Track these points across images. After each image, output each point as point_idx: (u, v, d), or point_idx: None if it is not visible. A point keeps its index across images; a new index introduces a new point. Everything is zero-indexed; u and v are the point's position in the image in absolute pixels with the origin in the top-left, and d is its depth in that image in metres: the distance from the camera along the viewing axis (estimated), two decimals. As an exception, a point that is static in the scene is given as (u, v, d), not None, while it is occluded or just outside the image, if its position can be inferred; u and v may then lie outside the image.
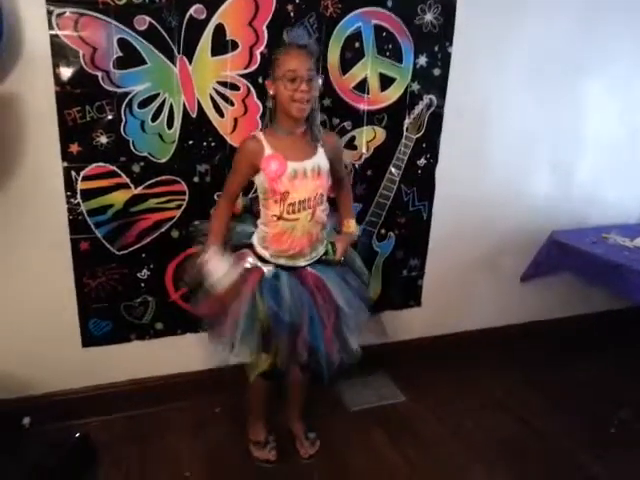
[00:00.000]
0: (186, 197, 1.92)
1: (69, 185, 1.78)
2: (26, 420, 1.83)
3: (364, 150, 2.11)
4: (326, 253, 1.71)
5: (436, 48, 2.09)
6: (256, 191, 1.67)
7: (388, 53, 2.02)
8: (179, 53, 1.77)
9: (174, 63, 1.77)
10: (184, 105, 1.82)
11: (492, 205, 2.47)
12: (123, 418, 2.00)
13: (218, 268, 1.57)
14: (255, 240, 1.68)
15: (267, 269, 1.63)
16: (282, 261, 1.65)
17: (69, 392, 1.97)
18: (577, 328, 2.79)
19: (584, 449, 1.98)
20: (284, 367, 1.65)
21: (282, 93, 1.52)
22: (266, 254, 1.65)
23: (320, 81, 1.65)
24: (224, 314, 1.59)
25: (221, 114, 1.87)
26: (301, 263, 1.66)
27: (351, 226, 1.81)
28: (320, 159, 1.62)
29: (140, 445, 1.89)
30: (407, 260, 2.37)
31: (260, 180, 1.60)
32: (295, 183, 1.58)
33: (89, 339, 1.97)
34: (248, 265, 1.64)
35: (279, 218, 1.61)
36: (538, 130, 2.43)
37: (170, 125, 1.83)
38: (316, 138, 1.62)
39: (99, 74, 1.70)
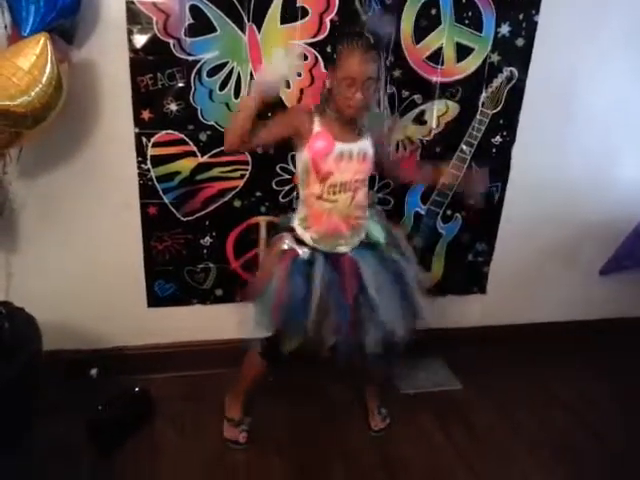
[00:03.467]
0: (249, 167, 1.93)
1: (140, 151, 1.84)
2: (93, 371, 1.95)
3: (434, 125, 2.01)
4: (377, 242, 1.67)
5: (521, 16, 1.93)
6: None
7: (467, 21, 1.89)
8: (249, 21, 1.75)
9: (243, 31, 1.76)
10: (251, 74, 1.81)
11: (574, 190, 2.28)
12: (181, 377, 2.09)
13: (273, 69, 1.49)
14: (296, 222, 1.65)
15: (302, 251, 1.60)
16: (322, 246, 1.61)
17: (133, 348, 2.08)
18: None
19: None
20: (311, 351, 1.63)
21: (338, 92, 1.48)
22: (306, 236, 1.62)
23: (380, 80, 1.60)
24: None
25: (287, 84, 1.84)
26: (342, 249, 1.62)
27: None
28: (367, 144, 1.59)
29: (195, 404, 1.96)
30: (473, 244, 2.25)
31: (303, 158, 1.56)
32: (340, 165, 1.54)
33: (154, 300, 2.05)
34: (285, 247, 1.61)
35: (319, 198, 1.57)
36: (633, 106, 2.20)
37: (237, 94, 1.83)
38: (364, 128, 1.58)
39: (171, 41, 1.73)
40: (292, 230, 1.66)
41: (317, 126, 1.53)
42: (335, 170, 1.54)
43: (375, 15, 1.76)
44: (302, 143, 1.55)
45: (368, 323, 1.59)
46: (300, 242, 1.62)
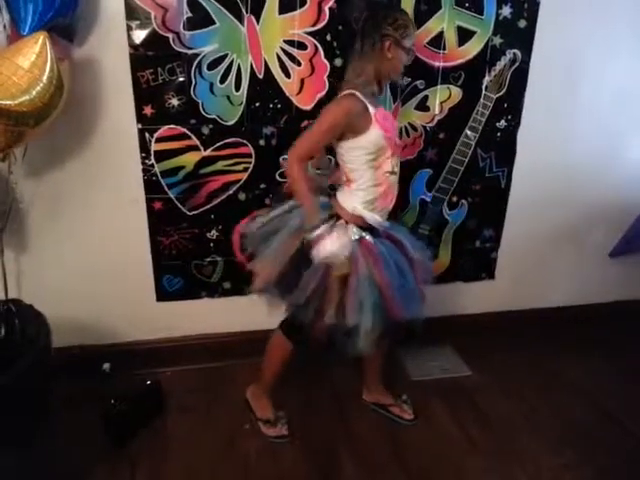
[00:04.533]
0: (252, 160, 1.93)
1: (143, 146, 1.85)
2: (106, 365, 1.98)
3: (437, 111, 1.99)
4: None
5: (523, -3, 1.90)
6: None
7: (467, 4, 1.86)
8: (247, 12, 1.74)
9: (242, 23, 1.75)
10: (251, 66, 1.80)
11: (581, 173, 2.25)
12: (192, 370, 2.11)
13: (334, 241, 1.47)
14: (357, 205, 1.58)
15: (369, 237, 1.58)
16: (382, 221, 1.62)
17: (144, 342, 2.10)
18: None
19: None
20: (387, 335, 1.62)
21: (400, 62, 1.54)
22: (374, 216, 1.58)
23: None
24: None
25: (288, 75, 1.83)
26: (386, 223, 1.65)
27: None
28: None
29: (206, 396, 1.99)
30: (481, 230, 2.24)
31: (372, 139, 1.51)
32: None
33: (163, 294, 2.07)
34: (356, 236, 1.56)
35: (391, 173, 1.59)
36: (636, 90, 2.16)
37: (238, 87, 1.83)
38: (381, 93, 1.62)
39: (170, 35, 1.72)
40: (337, 217, 1.60)
41: (371, 107, 1.51)
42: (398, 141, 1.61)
43: None
44: (363, 128, 1.51)
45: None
46: (361, 226, 1.59)
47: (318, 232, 1.48)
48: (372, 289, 1.51)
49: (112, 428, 1.75)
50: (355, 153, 1.55)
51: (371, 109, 1.51)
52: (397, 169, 1.61)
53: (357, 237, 1.57)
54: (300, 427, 1.86)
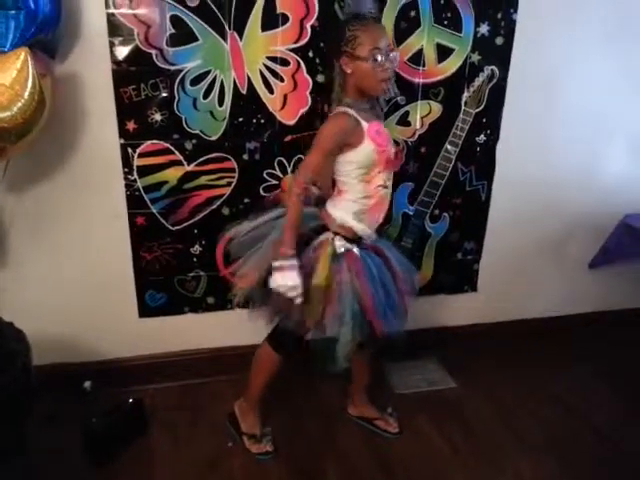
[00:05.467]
0: (236, 175, 1.93)
1: (126, 162, 1.84)
2: (87, 384, 1.93)
3: (418, 126, 2.02)
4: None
5: (499, 15, 1.94)
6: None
7: (446, 22, 1.91)
8: (230, 29, 1.76)
9: (225, 39, 1.77)
10: (234, 82, 1.82)
11: (559, 185, 2.30)
12: (175, 387, 2.09)
13: (294, 278, 1.47)
14: (345, 217, 1.59)
15: (356, 249, 1.59)
16: (369, 233, 1.63)
17: (126, 360, 2.07)
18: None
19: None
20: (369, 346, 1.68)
21: (366, 72, 1.48)
22: (360, 227, 1.59)
23: (397, 53, 1.58)
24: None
25: (271, 90, 1.85)
26: (373, 236, 1.66)
27: None
28: None
29: (189, 413, 1.96)
30: (462, 243, 2.27)
31: (363, 154, 1.53)
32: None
33: (145, 310, 2.05)
34: (342, 249, 1.57)
35: (383, 187, 1.60)
36: (613, 104, 2.22)
37: (221, 102, 1.84)
38: (381, 109, 1.63)
39: (153, 52, 1.73)
40: (324, 228, 1.61)
41: (364, 122, 1.53)
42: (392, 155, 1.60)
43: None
44: (356, 143, 1.52)
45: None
46: (346, 239, 1.60)
47: (280, 264, 1.47)
48: (354, 300, 1.53)
49: (93, 447, 1.72)
50: (347, 167, 1.56)
51: (364, 124, 1.52)
52: (389, 183, 1.63)
53: (342, 250, 1.57)
54: (285, 442, 1.85)
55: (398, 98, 1.96)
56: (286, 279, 1.46)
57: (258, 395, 1.82)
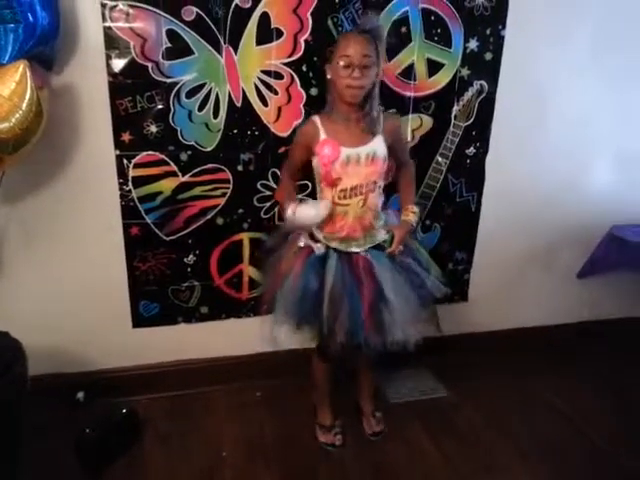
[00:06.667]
0: (230, 185, 1.96)
1: (121, 172, 1.86)
2: (80, 394, 1.94)
3: (409, 139, 2.06)
4: (385, 241, 1.71)
5: (488, 31, 2.00)
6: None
7: (436, 38, 1.96)
8: (225, 43, 1.79)
9: (220, 53, 1.80)
10: (229, 94, 1.85)
11: (547, 197, 2.35)
12: (169, 397, 2.08)
13: (308, 211, 1.60)
14: None
15: (317, 247, 1.65)
16: (335, 244, 1.67)
17: (120, 370, 2.07)
18: (636, 329, 2.59)
19: (634, 454, 1.88)
20: (325, 347, 1.72)
21: (337, 78, 1.55)
22: (319, 236, 1.68)
23: (380, 69, 1.61)
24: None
25: (265, 103, 1.88)
26: (354, 249, 1.67)
27: (410, 214, 1.77)
28: (377, 145, 1.63)
29: (183, 424, 1.96)
30: (453, 253, 2.30)
31: (315, 164, 1.65)
32: (348, 169, 1.60)
33: (139, 320, 2.05)
34: (301, 244, 1.67)
35: (338, 203, 1.64)
36: (599, 117, 2.27)
37: (216, 114, 1.86)
38: (372, 125, 1.61)
39: (149, 65, 1.76)
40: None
41: (323, 134, 1.60)
42: (343, 175, 1.60)
43: (367, 15, 1.75)
44: (313, 153, 1.64)
45: (386, 324, 1.62)
46: (316, 240, 1.68)
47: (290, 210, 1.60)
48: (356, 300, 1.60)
49: (87, 458, 1.71)
50: (314, 172, 1.70)
51: (322, 136, 1.60)
52: (347, 202, 1.63)
53: (301, 245, 1.66)
54: (278, 451, 1.85)
55: (390, 111, 1.99)
56: (302, 212, 1.59)
57: (322, 395, 1.95)
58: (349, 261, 1.66)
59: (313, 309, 1.62)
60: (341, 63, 1.52)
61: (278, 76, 1.86)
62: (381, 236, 1.71)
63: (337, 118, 1.61)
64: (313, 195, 1.85)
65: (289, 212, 1.58)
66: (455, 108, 2.07)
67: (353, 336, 1.61)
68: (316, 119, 1.63)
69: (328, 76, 1.60)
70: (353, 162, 1.59)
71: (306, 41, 1.84)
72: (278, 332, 1.70)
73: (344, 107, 1.60)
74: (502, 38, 2.03)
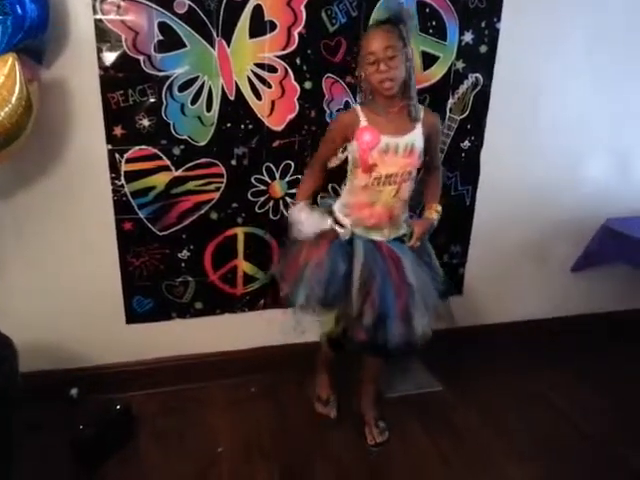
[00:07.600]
0: (224, 180, 1.94)
1: (113, 167, 1.84)
2: (74, 391, 1.92)
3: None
4: (404, 235, 1.73)
5: (483, 24, 1.99)
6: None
7: (431, 30, 1.94)
8: (218, 36, 1.77)
9: (213, 46, 1.78)
10: (222, 88, 1.83)
11: (542, 190, 2.35)
12: (163, 393, 2.07)
13: (306, 219, 1.67)
14: (336, 207, 1.74)
15: (342, 231, 1.67)
16: (359, 231, 1.68)
17: (114, 366, 2.06)
18: (630, 322, 2.61)
19: (632, 450, 1.89)
20: (350, 329, 1.71)
21: (369, 75, 1.57)
22: (346, 221, 1.69)
23: (410, 51, 1.59)
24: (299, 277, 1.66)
25: (259, 97, 1.87)
26: (377, 237, 1.68)
27: (433, 212, 1.79)
28: (416, 137, 1.64)
29: (178, 419, 1.95)
30: (448, 246, 2.30)
31: (352, 149, 1.65)
32: (385, 158, 1.61)
33: (133, 316, 2.04)
34: (327, 226, 1.68)
35: (365, 188, 1.65)
36: (594, 111, 2.28)
37: (209, 108, 1.85)
38: (413, 115, 1.63)
39: (141, 58, 1.74)
40: (331, 213, 1.73)
41: (364, 122, 1.61)
42: (379, 163, 1.61)
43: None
44: (352, 137, 1.63)
45: (412, 311, 1.63)
46: (341, 225, 1.69)
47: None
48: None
49: (81, 455, 1.70)
50: (348, 156, 1.69)
51: (363, 123, 1.60)
52: (380, 189, 1.64)
53: (327, 227, 1.67)
54: (276, 447, 1.85)
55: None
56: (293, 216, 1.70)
57: (322, 368, 2.05)
58: (374, 246, 1.67)
59: (339, 292, 1.63)
60: (367, 60, 1.55)
61: (272, 69, 1.85)
62: (402, 230, 1.74)
63: (377, 109, 1.62)
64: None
65: (296, 207, 1.66)
66: (450, 101, 2.06)
67: (382, 320, 1.60)
68: (357, 107, 1.65)
69: (362, 75, 1.62)
70: (392, 151, 1.60)
71: (300, 34, 1.82)
72: (301, 319, 1.70)
73: (382, 99, 1.61)
74: (497, 31, 2.02)
